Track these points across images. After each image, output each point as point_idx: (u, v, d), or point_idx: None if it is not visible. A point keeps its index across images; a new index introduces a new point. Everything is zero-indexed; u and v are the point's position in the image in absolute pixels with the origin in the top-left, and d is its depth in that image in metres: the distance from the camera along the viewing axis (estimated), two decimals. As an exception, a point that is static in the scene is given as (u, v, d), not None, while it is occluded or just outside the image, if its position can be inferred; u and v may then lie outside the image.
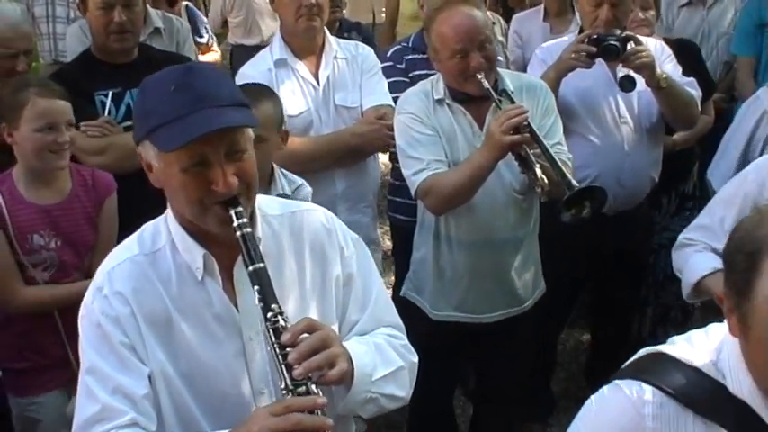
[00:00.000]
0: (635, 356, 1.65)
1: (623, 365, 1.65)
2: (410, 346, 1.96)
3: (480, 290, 3.10)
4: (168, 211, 1.81)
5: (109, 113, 3.33)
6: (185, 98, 1.62)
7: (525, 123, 2.76)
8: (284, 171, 2.94)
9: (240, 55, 6.24)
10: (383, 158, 3.76)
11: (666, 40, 3.80)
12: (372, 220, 3.62)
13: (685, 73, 3.55)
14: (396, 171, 3.77)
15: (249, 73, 3.33)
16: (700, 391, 1.50)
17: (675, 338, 1.62)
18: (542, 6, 4.82)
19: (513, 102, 2.93)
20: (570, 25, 4.57)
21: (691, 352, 1.55)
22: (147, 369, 1.72)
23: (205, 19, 5.88)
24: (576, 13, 4.01)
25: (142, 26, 3.50)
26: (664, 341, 1.63)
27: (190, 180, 1.65)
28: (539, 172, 2.73)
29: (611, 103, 3.47)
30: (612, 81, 3.46)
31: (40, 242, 2.86)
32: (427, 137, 2.96)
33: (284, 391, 1.57)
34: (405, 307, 3.28)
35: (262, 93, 2.88)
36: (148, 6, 4.21)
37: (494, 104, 2.94)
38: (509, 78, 3.05)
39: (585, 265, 3.64)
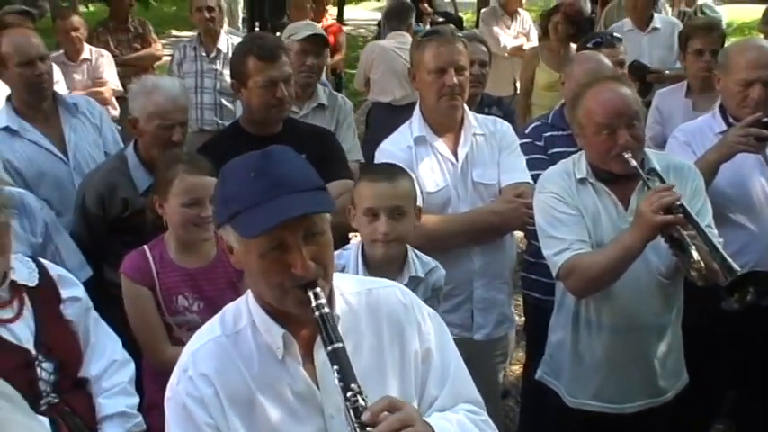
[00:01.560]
0: None
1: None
2: (490, 422, 1.93)
3: (620, 378, 2.97)
4: (249, 292, 1.87)
5: None
6: (263, 184, 1.69)
7: (678, 203, 2.66)
8: (418, 253, 2.95)
9: (376, 111, 6.55)
10: (518, 234, 3.72)
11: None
12: (508, 296, 3.57)
13: None
14: (531, 248, 3.73)
15: (389, 149, 3.39)
16: None
17: None
18: (685, 82, 4.70)
19: (663, 181, 2.83)
20: (714, 103, 4.43)
21: None
22: None
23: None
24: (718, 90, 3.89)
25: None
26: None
27: (269, 264, 1.70)
28: (695, 254, 2.61)
29: (765, 187, 3.32)
30: (764, 164, 3.30)
31: (184, 303, 2.99)
32: (570, 216, 2.90)
33: None
34: (538, 390, 3.21)
35: (399, 168, 2.96)
36: (318, 84, 4.41)
37: (639, 184, 2.87)
38: (655, 158, 2.97)
39: (734, 357, 3.43)
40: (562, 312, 3.09)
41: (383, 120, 6.10)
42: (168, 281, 3.00)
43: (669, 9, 8.75)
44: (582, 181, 2.96)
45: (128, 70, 6.56)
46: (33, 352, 2.51)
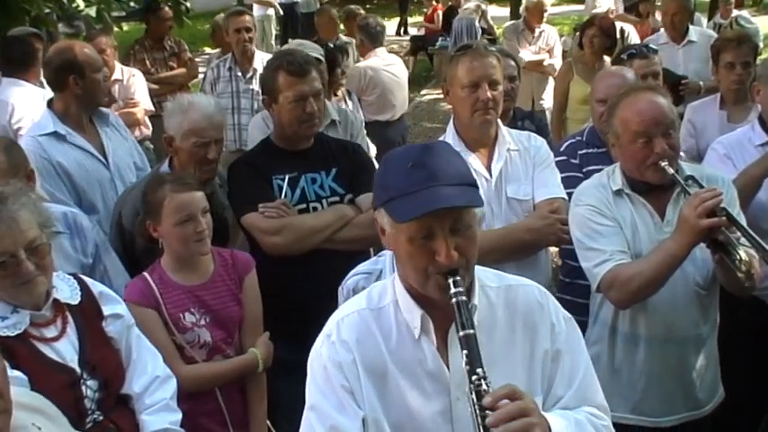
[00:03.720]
0: None
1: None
2: (612, 428, 1.98)
3: (659, 391, 2.95)
4: (396, 274, 2.00)
5: (285, 196, 3.51)
6: (420, 175, 1.80)
7: (721, 206, 2.64)
8: None
9: (375, 129, 6.53)
10: (553, 249, 3.70)
11: None
12: (542, 313, 3.55)
13: None
14: (566, 268, 3.70)
15: (424, 165, 3.39)
16: None
17: None
18: (718, 94, 4.67)
19: (701, 187, 2.81)
20: (749, 114, 4.39)
21: None
22: (362, 413, 1.90)
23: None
24: (758, 102, 3.86)
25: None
26: None
27: (416, 250, 1.83)
28: (743, 255, 2.58)
29: None
30: None
31: (191, 320, 3.05)
32: (608, 228, 2.89)
33: None
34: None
35: None
36: (326, 100, 4.43)
37: (674, 194, 2.87)
38: (689, 170, 2.96)
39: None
40: (597, 326, 3.08)
41: (381, 136, 6.20)
42: (172, 300, 3.04)
43: (704, 21, 8.70)
44: (618, 192, 2.95)
45: (163, 88, 6.66)
46: (78, 370, 2.54)
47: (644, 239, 2.88)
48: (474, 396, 1.69)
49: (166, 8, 7.39)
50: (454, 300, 1.78)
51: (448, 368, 1.91)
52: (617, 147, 2.96)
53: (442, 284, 1.82)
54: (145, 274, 3.10)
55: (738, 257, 2.59)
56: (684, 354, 2.95)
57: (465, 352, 1.74)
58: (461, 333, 1.76)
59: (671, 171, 2.81)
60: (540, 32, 7.91)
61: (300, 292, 3.45)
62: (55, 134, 3.87)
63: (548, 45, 7.88)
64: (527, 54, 7.69)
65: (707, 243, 2.70)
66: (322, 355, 1.95)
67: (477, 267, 1.94)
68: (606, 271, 2.82)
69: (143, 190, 3.18)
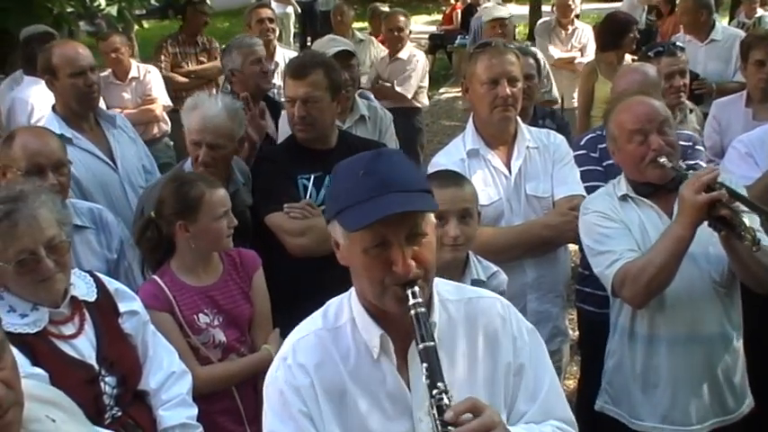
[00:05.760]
0: None
1: None
2: None
3: (687, 396, 2.89)
4: (352, 290, 1.92)
5: (310, 196, 3.48)
6: (372, 182, 1.74)
7: (719, 182, 2.61)
8: (479, 257, 2.94)
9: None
10: (573, 247, 3.68)
11: None
12: (562, 310, 3.54)
13: None
14: (585, 261, 3.67)
15: (442, 162, 3.38)
16: None
17: None
18: (745, 92, 4.63)
19: None
20: (774, 112, 4.36)
21: None
22: None
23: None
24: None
25: (326, 118, 3.62)
26: None
27: (371, 260, 1.75)
28: (747, 221, 2.54)
29: None
30: None
31: (205, 320, 3.04)
32: (616, 230, 2.88)
33: None
34: (598, 422, 3.13)
35: (460, 174, 2.99)
36: (357, 96, 4.48)
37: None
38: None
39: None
40: (616, 334, 3.04)
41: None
42: (186, 302, 3.03)
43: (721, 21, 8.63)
44: (623, 197, 2.94)
45: (192, 82, 6.67)
46: (96, 367, 2.55)
47: (654, 240, 2.84)
48: (435, 411, 1.63)
49: (207, 1, 7.33)
50: (413, 311, 1.71)
51: (409, 389, 1.85)
52: (616, 153, 2.96)
53: (399, 296, 1.74)
54: (155, 277, 3.07)
55: (742, 225, 2.54)
56: (710, 355, 2.89)
57: (425, 365, 1.68)
58: (421, 346, 1.69)
59: (669, 165, 2.79)
60: (573, 30, 7.77)
61: (314, 292, 3.43)
62: (61, 137, 3.75)
63: (580, 43, 7.70)
64: (557, 51, 7.60)
65: (710, 223, 2.66)
66: (278, 379, 1.88)
67: (436, 279, 1.88)
68: (617, 270, 2.79)
69: (171, 192, 3.09)
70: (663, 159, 2.79)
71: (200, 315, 3.04)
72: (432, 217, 1.82)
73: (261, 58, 4.57)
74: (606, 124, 3.02)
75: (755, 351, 3.01)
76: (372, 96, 5.32)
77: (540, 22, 8.59)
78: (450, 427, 1.60)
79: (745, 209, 2.62)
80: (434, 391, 1.64)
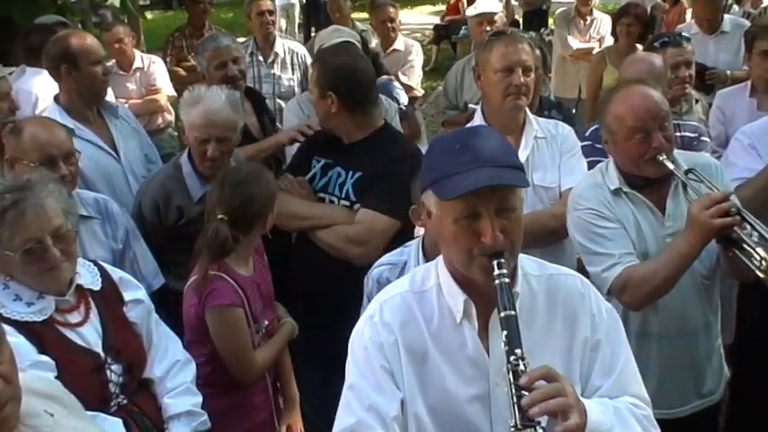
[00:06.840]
0: None
1: None
2: (653, 419, 1.96)
3: (672, 382, 2.93)
4: (440, 257, 2.00)
5: (314, 178, 3.52)
6: (468, 156, 1.82)
7: (734, 205, 2.60)
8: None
9: None
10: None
11: None
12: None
13: None
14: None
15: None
16: None
17: None
18: (749, 82, 4.60)
19: (701, 180, 2.78)
20: (781, 101, 4.34)
21: None
22: (400, 394, 1.92)
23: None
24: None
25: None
26: None
27: (461, 230, 1.82)
28: (762, 252, 2.53)
29: None
30: None
31: (260, 309, 3.08)
32: (612, 230, 2.85)
33: (512, 429, 1.66)
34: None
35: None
36: None
37: (672, 187, 2.84)
38: (681, 158, 2.92)
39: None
40: None
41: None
42: (248, 294, 3.03)
43: (736, 8, 8.58)
44: (616, 192, 2.91)
45: (193, 76, 6.65)
46: (102, 355, 2.55)
47: (649, 238, 2.85)
48: (511, 376, 1.69)
49: None
50: (497, 281, 1.78)
51: (488, 354, 1.91)
52: (611, 144, 2.90)
53: (485, 266, 1.81)
54: (221, 274, 2.97)
55: (758, 257, 2.53)
56: (695, 345, 2.95)
57: (505, 332, 1.74)
58: (502, 314, 1.76)
59: (671, 166, 2.77)
60: (592, 20, 7.73)
61: (309, 282, 3.48)
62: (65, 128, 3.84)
63: (599, 34, 7.67)
64: (575, 42, 7.57)
65: (718, 240, 2.67)
66: (364, 335, 1.97)
67: (520, 256, 1.94)
68: (617, 275, 2.78)
69: (246, 192, 3.02)
70: (663, 158, 2.77)
71: (258, 305, 3.07)
72: (521, 194, 1.89)
73: (226, 62, 4.35)
74: (601, 114, 2.95)
75: (741, 336, 3.03)
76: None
77: (558, 11, 8.53)
78: (524, 392, 1.66)
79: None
80: (512, 358, 1.70)
